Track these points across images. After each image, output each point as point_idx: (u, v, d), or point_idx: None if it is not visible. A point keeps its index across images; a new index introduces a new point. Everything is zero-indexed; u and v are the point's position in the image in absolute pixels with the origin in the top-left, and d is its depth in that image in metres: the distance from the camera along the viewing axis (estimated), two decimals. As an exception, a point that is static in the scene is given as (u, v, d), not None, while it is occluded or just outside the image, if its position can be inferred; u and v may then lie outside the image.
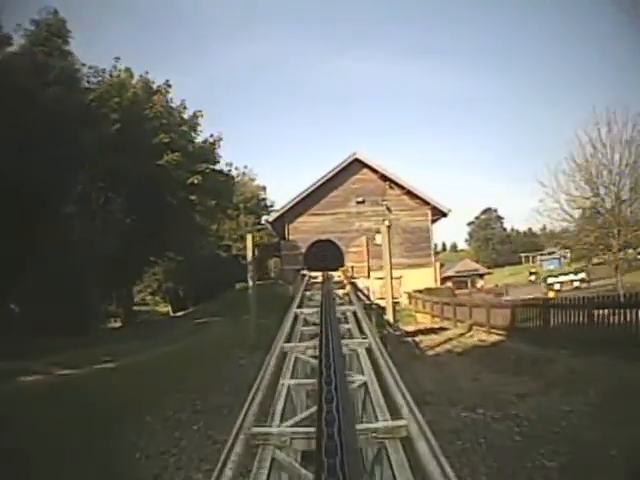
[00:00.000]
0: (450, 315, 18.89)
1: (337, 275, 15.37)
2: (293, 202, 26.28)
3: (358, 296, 11.17)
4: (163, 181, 23.72)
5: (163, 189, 24.12)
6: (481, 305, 16.85)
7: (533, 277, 54.58)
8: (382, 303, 15.14)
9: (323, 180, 26.41)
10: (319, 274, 14.69)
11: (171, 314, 40.25)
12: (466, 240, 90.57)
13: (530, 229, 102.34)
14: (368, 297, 15.79)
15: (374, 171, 26.79)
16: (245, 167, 41.33)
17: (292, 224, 26.34)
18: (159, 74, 25.58)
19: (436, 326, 18.33)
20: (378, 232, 26.57)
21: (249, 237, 15.59)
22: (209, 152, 27.83)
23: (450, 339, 15.41)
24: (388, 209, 26.65)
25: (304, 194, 26.21)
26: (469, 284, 44.67)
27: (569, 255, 72.34)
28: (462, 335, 16.01)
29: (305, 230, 26.27)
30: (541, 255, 76.14)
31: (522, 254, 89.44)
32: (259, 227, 35.87)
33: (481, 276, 47.44)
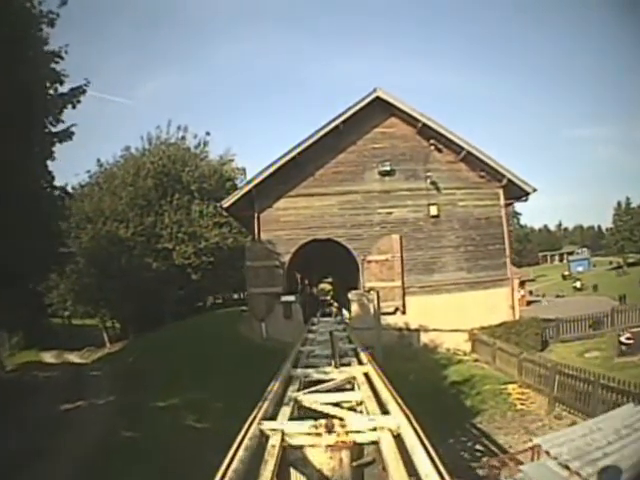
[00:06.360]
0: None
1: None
2: (266, 173, 14.73)
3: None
4: None
5: None
6: None
7: (578, 284, 44.11)
8: None
9: (320, 135, 14.95)
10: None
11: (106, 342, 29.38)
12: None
13: (546, 226, 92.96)
14: None
15: (410, 121, 15.41)
16: (207, 134, 28.54)
17: (266, 212, 14.91)
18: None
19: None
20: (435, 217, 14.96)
21: None
22: None
23: None
24: (435, 185, 15.36)
25: (286, 158, 14.70)
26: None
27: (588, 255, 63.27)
28: None
29: (289, 223, 14.87)
30: (568, 255, 66.20)
31: (540, 254, 79.45)
32: (223, 220, 24.17)
33: (522, 284, 36.38)
